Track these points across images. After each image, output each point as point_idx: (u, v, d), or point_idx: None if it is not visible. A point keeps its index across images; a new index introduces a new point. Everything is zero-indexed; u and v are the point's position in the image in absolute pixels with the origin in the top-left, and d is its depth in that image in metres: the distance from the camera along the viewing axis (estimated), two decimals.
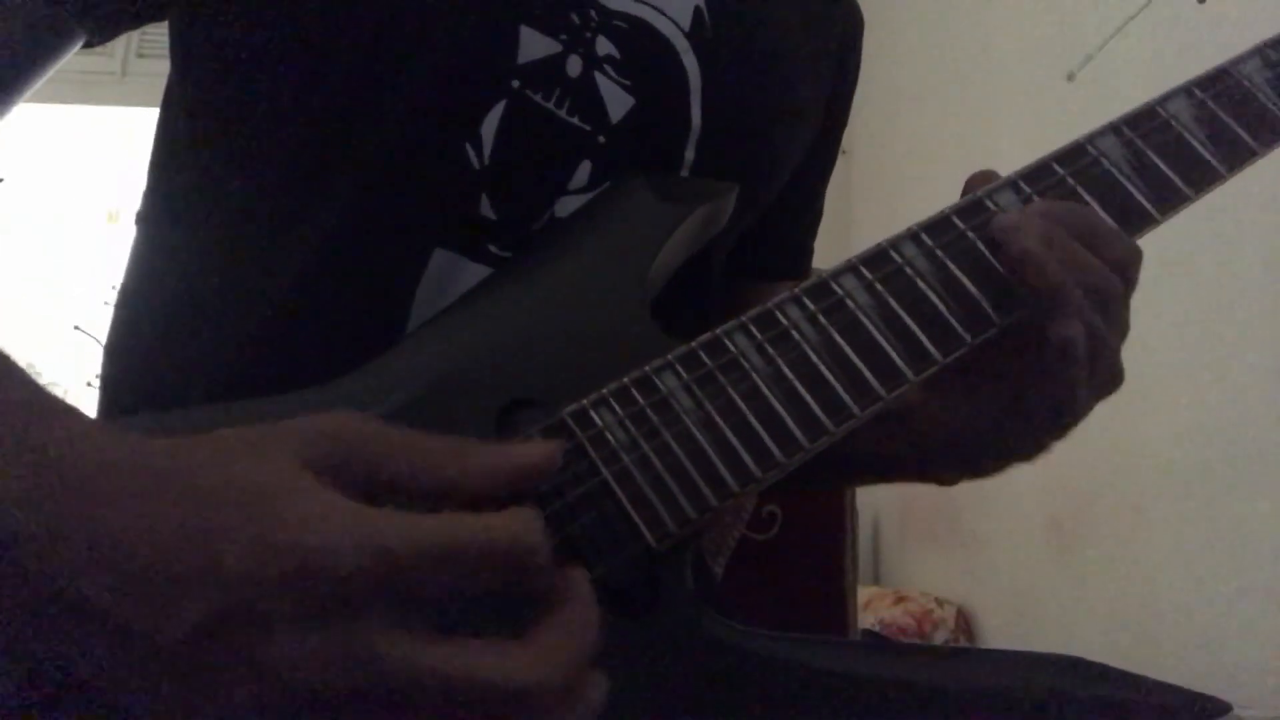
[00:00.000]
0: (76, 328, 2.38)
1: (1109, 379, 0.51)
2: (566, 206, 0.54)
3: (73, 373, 2.29)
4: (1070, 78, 2.12)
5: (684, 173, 0.59)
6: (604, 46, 0.55)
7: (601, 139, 0.55)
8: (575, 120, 0.54)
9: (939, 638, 2.37)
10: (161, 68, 0.60)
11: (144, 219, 0.59)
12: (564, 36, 0.54)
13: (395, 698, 0.30)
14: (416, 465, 0.34)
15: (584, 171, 0.55)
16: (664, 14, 0.57)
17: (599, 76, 0.55)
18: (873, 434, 0.56)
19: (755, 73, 0.61)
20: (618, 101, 0.55)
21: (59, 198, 3.31)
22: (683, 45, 0.57)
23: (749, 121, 0.61)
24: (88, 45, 0.55)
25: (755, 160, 0.62)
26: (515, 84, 0.53)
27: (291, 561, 0.30)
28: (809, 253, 0.77)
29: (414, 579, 0.31)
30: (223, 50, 0.55)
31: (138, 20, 0.55)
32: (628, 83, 0.55)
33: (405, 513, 0.32)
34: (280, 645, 0.29)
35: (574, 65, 0.54)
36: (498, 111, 0.52)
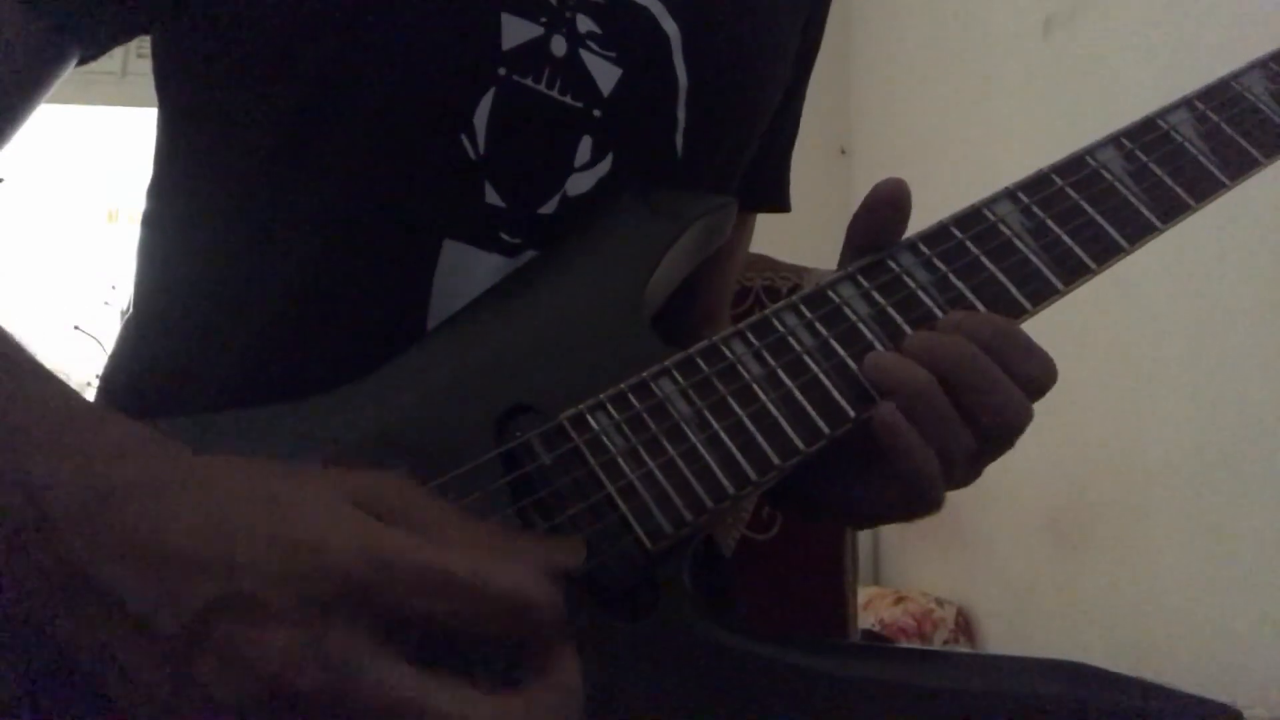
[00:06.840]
0: (76, 328, 2.38)
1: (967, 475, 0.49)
2: (577, 184, 0.55)
3: (73, 373, 2.29)
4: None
5: (678, 134, 0.59)
6: (584, 24, 0.56)
7: (596, 113, 0.56)
8: (568, 99, 0.55)
9: (939, 638, 2.37)
10: None
11: (147, 220, 0.60)
12: (544, 19, 0.54)
13: (350, 707, 0.30)
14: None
15: (586, 147, 0.56)
16: None
17: (584, 53, 0.56)
18: None
19: (733, 23, 0.62)
20: (606, 74, 0.56)
21: (59, 198, 3.31)
22: (659, 10, 0.58)
23: (734, 70, 0.61)
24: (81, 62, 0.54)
25: (744, 108, 0.63)
26: (501, 71, 0.53)
27: (297, 557, 0.31)
28: (785, 179, 0.76)
29: (405, 600, 0.31)
30: (200, 56, 0.55)
31: (129, 36, 0.55)
32: (612, 54, 0.56)
33: (418, 537, 0.33)
34: (264, 637, 0.30)
35: (559, 45, 0.55)
36: (488, 100, 0.53)
